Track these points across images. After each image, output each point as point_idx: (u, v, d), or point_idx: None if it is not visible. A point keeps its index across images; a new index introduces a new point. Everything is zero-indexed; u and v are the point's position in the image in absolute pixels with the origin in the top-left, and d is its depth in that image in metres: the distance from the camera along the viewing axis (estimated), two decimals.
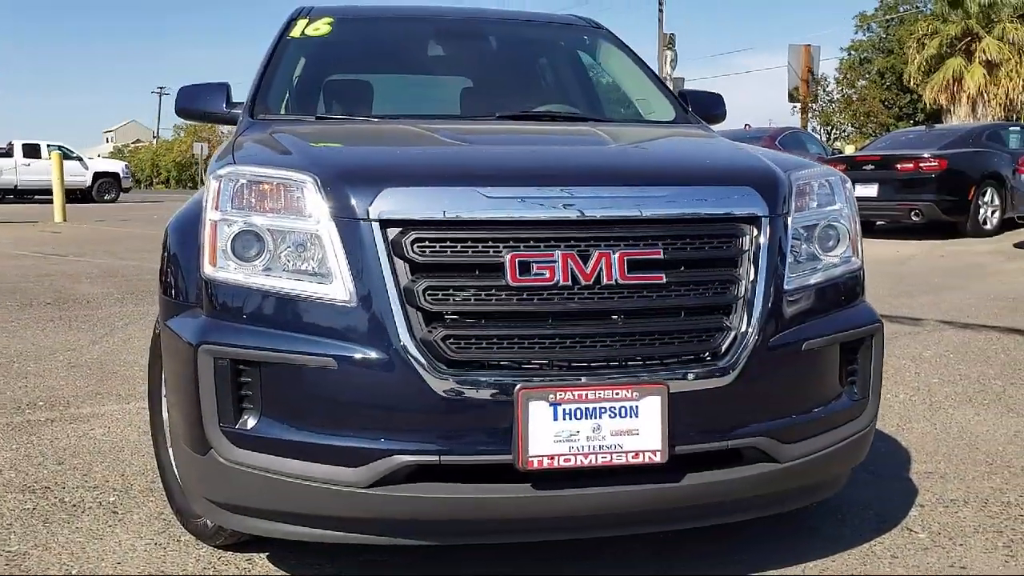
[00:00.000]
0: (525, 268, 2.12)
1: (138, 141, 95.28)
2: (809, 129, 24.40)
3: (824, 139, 38.25)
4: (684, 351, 2.21)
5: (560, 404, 2.10)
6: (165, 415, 2.93)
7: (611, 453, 2.12)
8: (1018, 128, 13.36)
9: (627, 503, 2.20)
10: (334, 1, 4.01)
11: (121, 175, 29.85)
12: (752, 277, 2.26)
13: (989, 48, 36.79)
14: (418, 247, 2.13)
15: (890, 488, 3.23)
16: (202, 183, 3.03)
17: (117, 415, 4.14)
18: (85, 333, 6.06)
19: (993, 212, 12.54)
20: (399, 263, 2.13)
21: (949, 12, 38.65)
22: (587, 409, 2.11)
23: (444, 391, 2.10)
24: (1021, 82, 36.89)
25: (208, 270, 2.27)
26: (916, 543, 2.78)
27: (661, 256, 2.19)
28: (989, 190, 12.42)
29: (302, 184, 2.22)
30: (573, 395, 2.10)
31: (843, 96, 47.56)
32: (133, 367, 5.06)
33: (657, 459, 2.13)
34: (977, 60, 37.16)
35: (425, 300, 2.11)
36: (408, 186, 2.19)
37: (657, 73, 3.72)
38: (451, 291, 2.13)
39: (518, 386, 2.09)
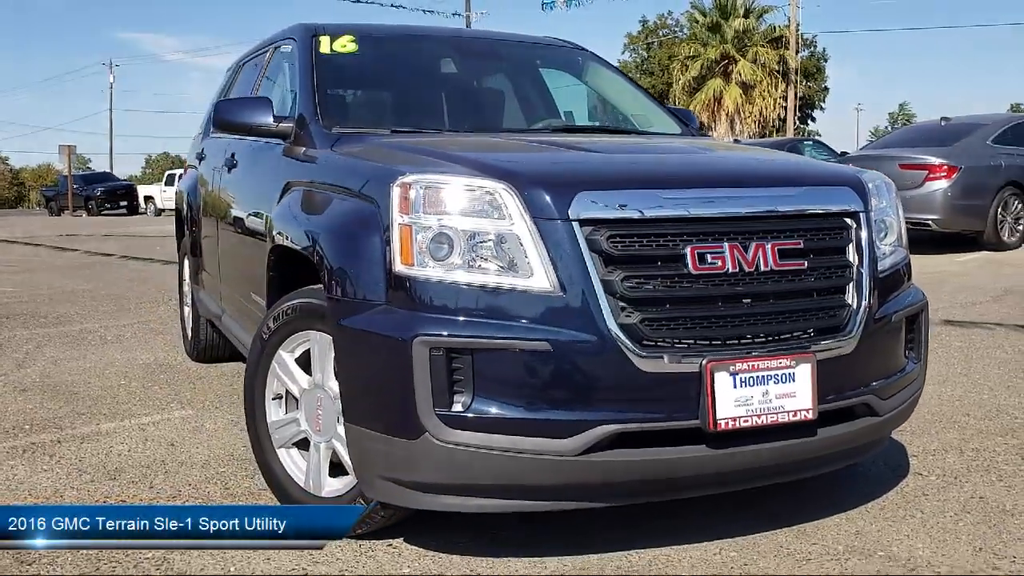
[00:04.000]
0: (702, 258, 2.49)
1: None
2: None
3: None
4: (821, 325, 2.65)
5: (738, 374, 2.48)
6: (271, 418, 3.06)
7: (777, 413, 2.52)
8: (811, 142, 14.97)
9: (785, 455, 2.61)
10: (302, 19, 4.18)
11: None
12: (857, 262, 2.74)
13: (744, 70, 40.23)
14: (611, 242, 2.44)
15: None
16: None
17: (123, 432, 4.08)
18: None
19: None
20: (595, 257, 2.43)
21: (709, 37, 41.95)
22: (758, 377, 2.50)
23: (643, 367, 2.42)
24: (772, 101, 40.64)
25: (402, 269, 2.47)
26: (932, 483, 3.36)
27: (801, 246, 2.62)
28: None
29: (495, 189, 2.47)
30: (748, 365, 2.49)
31: None
32: (90, 387, 4.92)
33: (810, 416, 2.56)
34: (734, 81, 40.57)
35: (622, 288, 2.43)
36: (599, 190, 2.49)
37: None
38: (642, 280, 2.46)
39: (705, 360, 2.45)
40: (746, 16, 41.76)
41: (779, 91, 40.80)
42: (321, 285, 2.85)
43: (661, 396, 2.46)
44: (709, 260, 2.49)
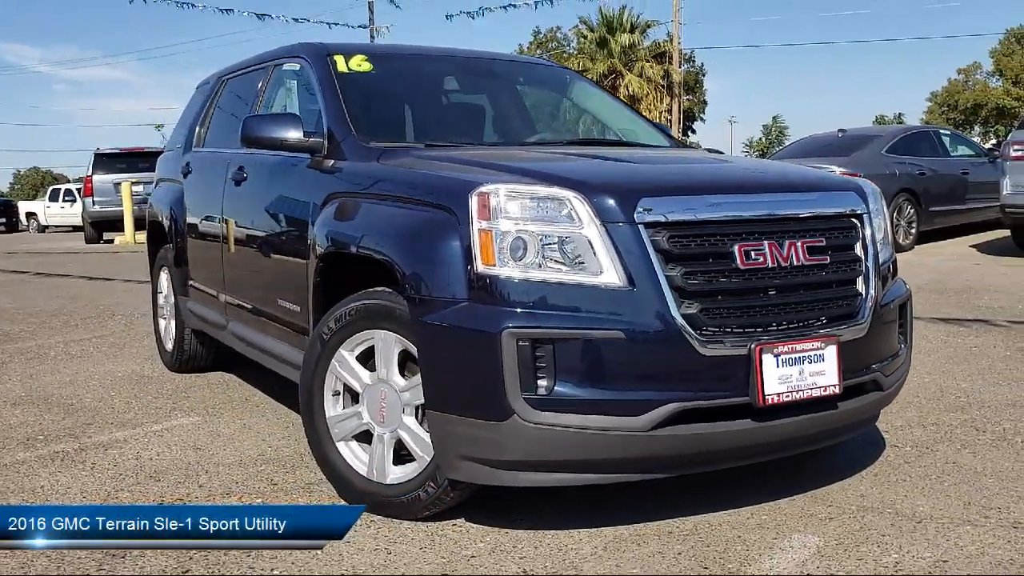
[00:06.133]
0: (748, 255, 2.85)
1: None
2: None
3: None
4: (840, 312, 3.04)
5: (780, 355, 2.84)
6: (330, 413, 3.27)
7: (811, 389, 2.89)
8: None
9: (815, 425, 2.99)
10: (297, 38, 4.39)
11: None
12: (864, 257, 3.14)
13: (631, 84, 41.45)
14: (671, 242, 2.78)
15: None
16: None
17: (141, 439, 4.18)
18: None
19: None
20: (659, 255, 2.76)
21: (596, 52, 43.10)
22: (796, 358, 2.87)
23: (703, 352, 2.76)
24: (659, 115, 42.00)
25: (484, 269, 2.74)
26: (909, 453, 3.81)
27: (824, 243, 3.01)
28: None
29: (567, 197, 2.76)
30: (788, 348, 2.86)
31: None
32: (82, 399, 4.97)
33: (837, 391, 2.94)
34: (622, 95, 41.70)
35: (682, 282, 2.76)
36: (658, 196, 2.82)
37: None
38: (698, 275, 2.80)
39: (753, 344, 2.80)
40: (632, 31, 43.04)
41: (664, 104, 42.18)
42: (383, 287, 3.10)
43: (717, 376, 2.80)
44: (753, 256, 2.85)
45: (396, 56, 4.38)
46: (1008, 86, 49.18)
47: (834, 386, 2.94)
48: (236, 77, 5.17)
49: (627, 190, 2.83)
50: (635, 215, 2.76)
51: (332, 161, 3.64)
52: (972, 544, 2.87)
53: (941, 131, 13.59)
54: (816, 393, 2.90)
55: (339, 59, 4.07)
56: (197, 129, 5.43)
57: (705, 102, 59.02)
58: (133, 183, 18.30)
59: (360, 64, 4.08)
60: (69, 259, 15.68)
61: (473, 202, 2.78)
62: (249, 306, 4.33)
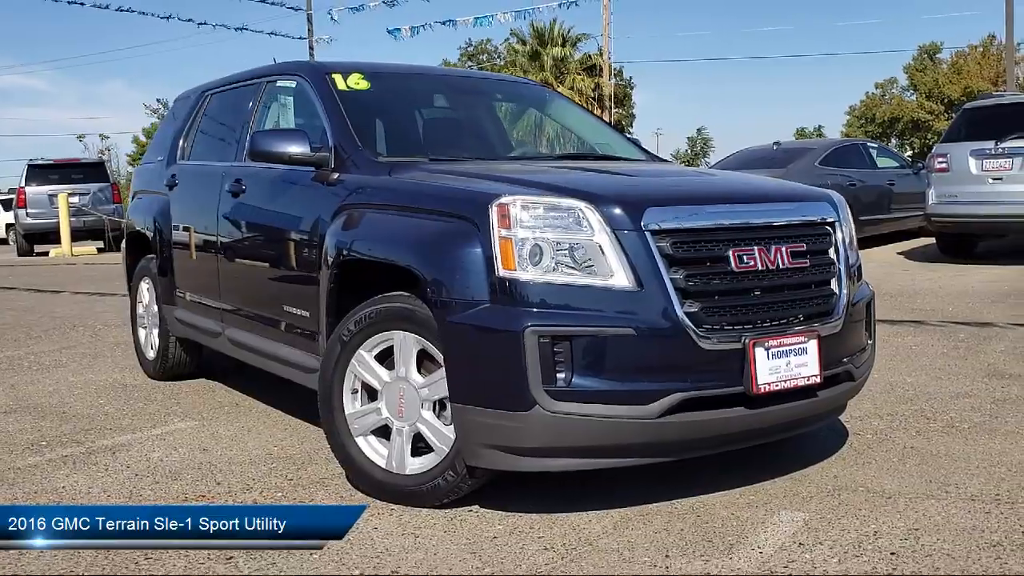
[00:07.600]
0: (741, 259, 3.16)
1: None
2: None
3: None
4: (819, 310, 3.38)
5: (770, 349, 3.16)
6: (349, 409, 3.50)
7: (796, 379, 3.22)
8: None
9: (799, 412, 3.33)
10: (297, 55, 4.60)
11: None
12: (837, 260, 3.49)
13: None
14: (674, 247, 3.08)
15: None
16: None
17: (146, 442, 4.32)
18: None
19: None
20: (664, 259, 3.06)
21: (528, 64, 43.68)
22: (783, 350, 3.19)
23: (703, 346, 3.06)
24: None
25: (506, 274, 3.00)
26: (870, 440, 4.17)
27: (804, 248, 3.35)
28: None
29: (579, 207, 3.05)
30: (776, 342, 3.18)
31: None
32: (72, 407, 5.07)
33: (818, 380, 3.28)
34: None
35: (685, 284, 3.07)
36: (662, 206, 3.13)
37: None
38: (698, 276, 3.10)
39: (747, 339, 3.12)
40: (563, 45, 43.71)
41: None
42: (399, 292, 3.34)
43: (715, 368, 3.11)
44: (745, 260, 3.17)
45: (389, 74, 4.62)
46: (922, 100, 51.11)
47: (816, 376, 3.27)
48: (222, 92, 5.34)
49: (634, 200, 3.12)
50: (642, 223, 3.06)
51: (338, 174, 3.86)
52: (938, 515, 3.22)
53: (868, 144, 14.30)
54: (800, 383, 3.23)
55: (337, 77, 4.29)
56: (180, 143, 5.56)
57: (633, 115, 59.98)
58: (69, 194, 18.08)
59: (358, 82, 4.30)
60: (6, 271, 15.43)
61: (494, 212, 3.04)
62: (250, 313, 4.50)
